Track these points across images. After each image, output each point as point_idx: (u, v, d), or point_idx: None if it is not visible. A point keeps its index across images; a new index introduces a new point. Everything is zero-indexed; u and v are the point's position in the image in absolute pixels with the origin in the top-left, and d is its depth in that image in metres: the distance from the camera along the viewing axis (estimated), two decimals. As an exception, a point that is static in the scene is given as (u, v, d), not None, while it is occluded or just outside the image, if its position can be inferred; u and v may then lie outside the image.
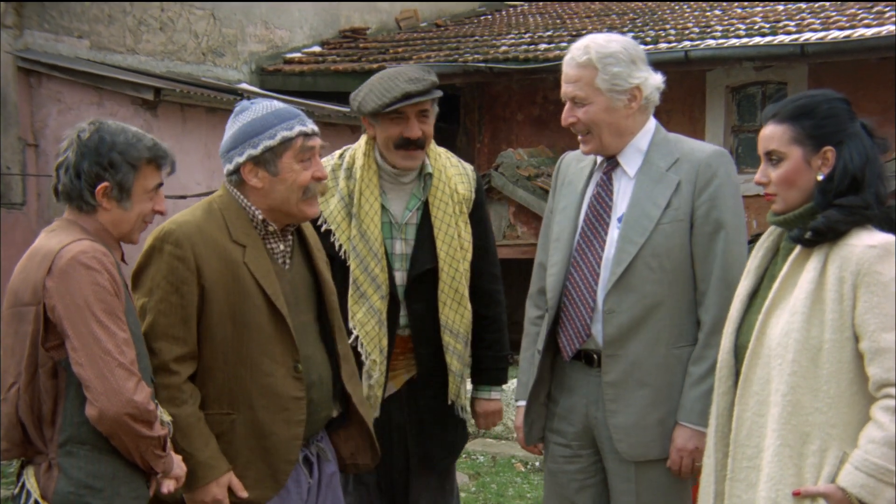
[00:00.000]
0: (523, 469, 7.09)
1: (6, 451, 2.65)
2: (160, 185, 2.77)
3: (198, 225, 2.91)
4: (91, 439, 2.57)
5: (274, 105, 2.99)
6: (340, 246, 3.56)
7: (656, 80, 3.19)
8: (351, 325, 3.50)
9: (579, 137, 3.21)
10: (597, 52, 3.10)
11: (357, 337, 3.51)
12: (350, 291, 3.53)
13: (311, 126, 2.97)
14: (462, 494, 6.50)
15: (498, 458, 7.36)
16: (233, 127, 2.97)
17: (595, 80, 3.10)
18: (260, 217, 2.96)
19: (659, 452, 3.14)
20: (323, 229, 3.56)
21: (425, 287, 3.60)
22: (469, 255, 3.67)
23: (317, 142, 2.97)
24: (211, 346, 2.90)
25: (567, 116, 3.17)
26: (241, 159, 2.92)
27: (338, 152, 3.71)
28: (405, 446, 3.67)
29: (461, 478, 6.83)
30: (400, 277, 3.59)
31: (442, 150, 3.75)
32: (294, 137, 2.91)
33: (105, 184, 2.67)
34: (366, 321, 3.51)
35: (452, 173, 3.70)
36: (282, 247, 3.02)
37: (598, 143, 3.17)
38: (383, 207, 3.58)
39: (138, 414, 2.52)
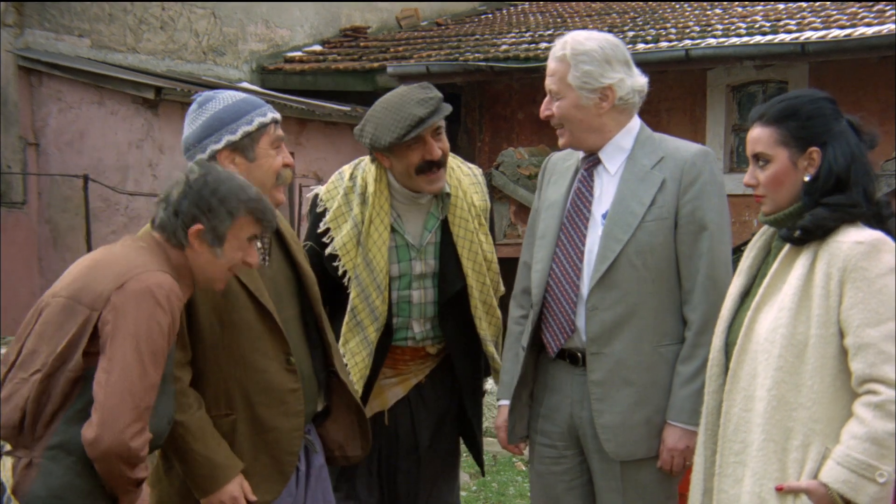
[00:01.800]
0: (524, 468, 7.09)
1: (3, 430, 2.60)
2: (255, 237, 2.76)
3: None
4: (79, 452, 2.53)
5: (240, 94, 3.02)
6: (345, 272, 3.47)
7: (636, 82, 3.18)
8: (342, 350, 3.44)
9: (558, 131, 3.24)
10: (572, 49, 3.13)
11: (346, 364, 3.43)
12: (346, 318, 3.46)
13: (278, 114, 3.03)
14: (463, 493, 6.50)
15: (499, 456, 7.36)
16: (200, 117, 2.96)
17: (567, 75, 3.13)
18: None
19: (646, 452, 3.13)
20: (328, 253, 3.49)
21: (455, 304, 3.54)
22: (494, 266, 3.63)
23: (282, 133, 3.02)
24: (202, 349, 2.89)
25: (544, 109, 3.22)
26: (217, 146, 2.92)
27: (347, 172, 3.60)
28: (417, 451, 3.62)
29: (462, 476, 6.83)
30: (418, 296, 3.53)
31: (451, 158, 3.63)
32: (269, 123, 2.95)
33: (199, 226, 2.66)
34: (357, 351, 3.46)
35: (467, 184, 3.62)
36: (259, 244, 3.00)
37: (571, 136, 3.20)
38: (395, 231, 3.50)
39: (128, 457, 2.49)
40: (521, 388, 3.30)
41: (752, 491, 2.56)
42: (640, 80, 3.19)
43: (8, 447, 2.59)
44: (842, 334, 2.50)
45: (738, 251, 9.13)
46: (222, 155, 2.91)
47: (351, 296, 3.46)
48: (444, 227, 3.54)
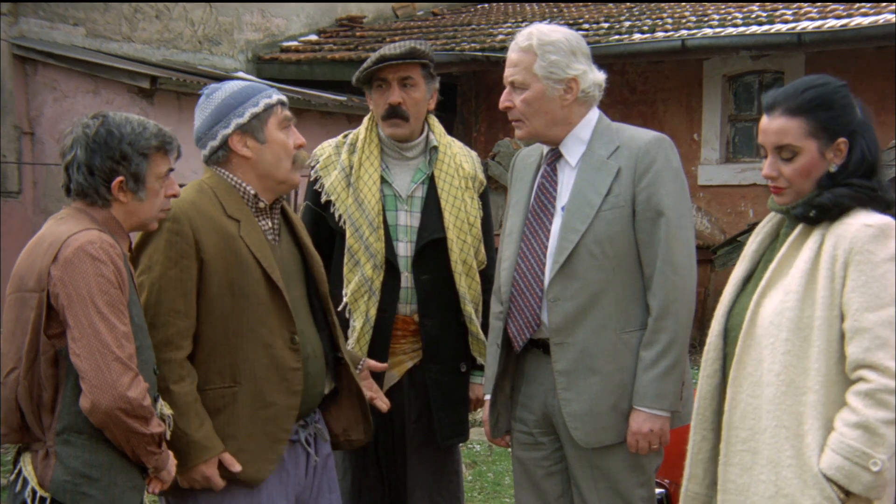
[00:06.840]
0: (520, 458, 7.10)
1: (4, 435, 2.64)
2: (170, 170, 2.78)
3: (192, 201, 2.95)
4: (88, 428, 2.56)
5: (244, 81, 3.10)
6: (340, 216, 3.59)
7: (597, 76, 3.22)
8: (344, 292, 3.53)
9: (513, 123, 3.25)
10: (538, 40, 3.15)
11: (346, 304, 3.54)
12: (345, 260, 3.55)
13: (284, 96, 3.08)
14: (458, 483, 6.50)
15: (495, 447, 7.37)
16: (208, 107, 3.02)
17: (533, 65, 3.14)
18: (252, 192, 3.01)
19: (615, 437, 3.14)
20: (323, 200, 3.62)
21: (433, 258, 3.59)
22: (476, 231, 3.68)
23: (290, 113, 3.07)
24: (211, 319, 2.91)
25: (504, 100, 3.23)
26: (227, 131, 2.98)
27: (344, 133, 3.80)
28: (404, 431, 3.65)
29: (458, 466, 6.83)
30: (404, 248, 3.59)
31: (448, 138, 3.78)
32: (275, 104, 3.00)
33: (120, 178, 2.66)
34: (356, 289, 3.53)
35: (457, 150, 3.74)
36: (270, 224, 3.07)
37: (530, 128, 3.21)
38: (385, 181, 3.61)
39: (131, 409, 2.52)
40: (502, 382, 3.32)
41: (767, 480, 2.52)
42: (600, 76, 3.24)
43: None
44: (843, 317, 2.46)
45: (733, 241, 9.08)
46: (233, 139, 2.99)
47: (346, 236, 3.56)
48: (432, 185, 3.65)
